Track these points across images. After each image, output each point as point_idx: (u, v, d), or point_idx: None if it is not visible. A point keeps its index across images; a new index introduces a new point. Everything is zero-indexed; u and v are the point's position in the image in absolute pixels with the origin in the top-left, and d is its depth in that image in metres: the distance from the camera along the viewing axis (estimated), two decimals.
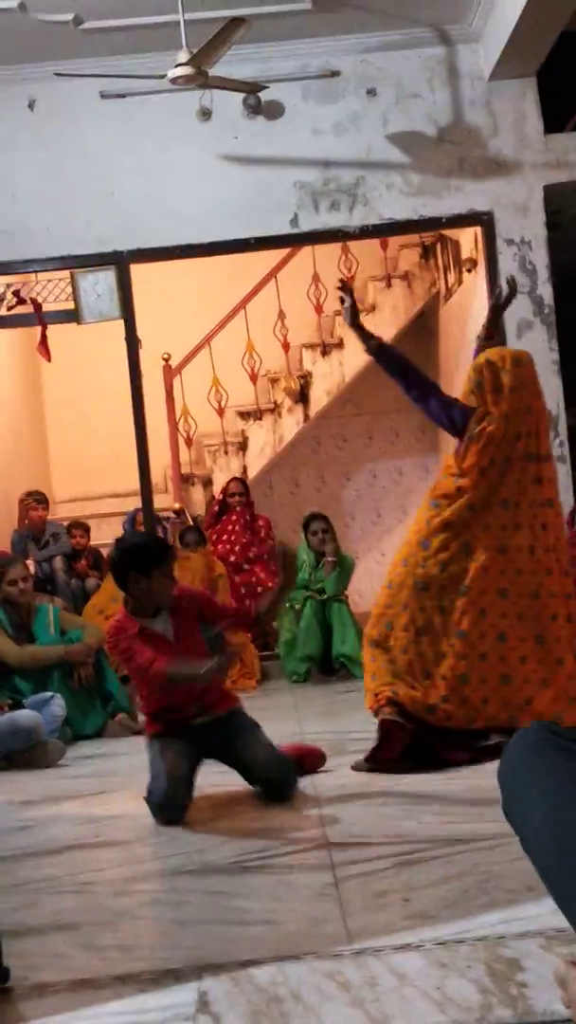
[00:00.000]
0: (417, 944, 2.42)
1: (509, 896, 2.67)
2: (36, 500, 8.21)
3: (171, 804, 3.84)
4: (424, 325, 10.47)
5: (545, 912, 2.41)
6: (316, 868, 3.11)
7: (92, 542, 8.53)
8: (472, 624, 4.42)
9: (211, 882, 3.09)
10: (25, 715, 5.25)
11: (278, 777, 4.01)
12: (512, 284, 4.94)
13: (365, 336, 4.72)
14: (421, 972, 2.27)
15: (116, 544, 4.30)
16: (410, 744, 4.36)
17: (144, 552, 4.07)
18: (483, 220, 7.47)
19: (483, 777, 3.79)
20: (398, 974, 2.27)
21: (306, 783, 4.20)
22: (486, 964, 2.27)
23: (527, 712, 4.34)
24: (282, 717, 5.82)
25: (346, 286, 4.76)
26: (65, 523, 8.56)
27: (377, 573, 9.06)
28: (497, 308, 4.94)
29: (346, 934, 2.55)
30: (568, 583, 4.56)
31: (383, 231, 7.85)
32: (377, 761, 4.33)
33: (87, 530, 8.49)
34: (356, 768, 4.39)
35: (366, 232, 7.62)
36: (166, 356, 9.58)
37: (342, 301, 4.74)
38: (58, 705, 5.57)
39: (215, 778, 4.31)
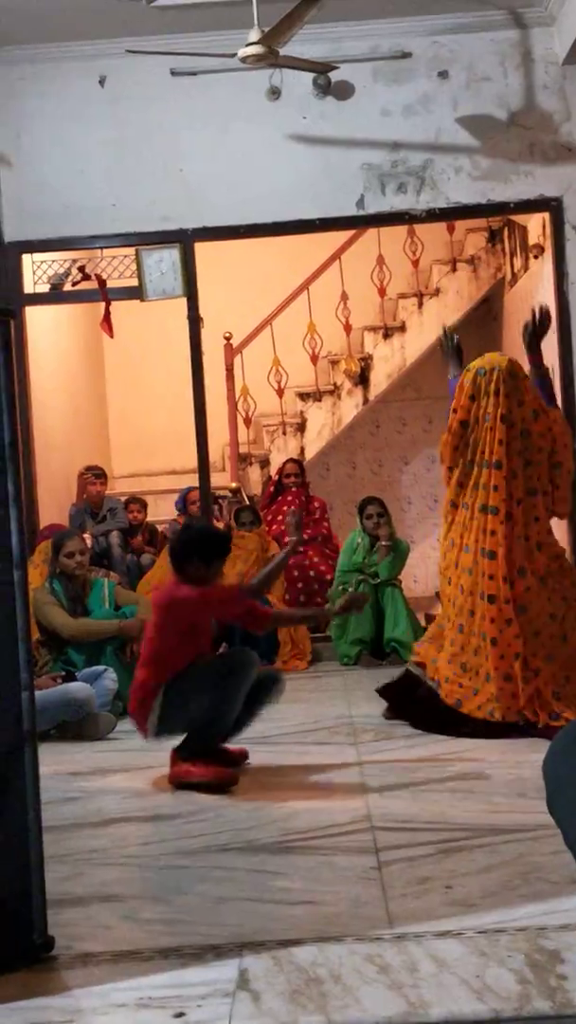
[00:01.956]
0: (458, 931, 2.43)
1: (552, 888, 2.67)
2: (95, 475, 8.27)
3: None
4: (489, 310, 10.40)
5: None
6: (360, 851, 3.12)
7: (148, 518, 8.57)
8: (442, 611, 5.08)
9: (255, 860, 3.11)
10: (78, 687, 5.30)
11: (276, 676, 4.42)
12: (544, 313, 5.08)
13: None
14: (461, 960, 2.27)
15: (185, 530, 4.49)
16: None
17: (211, 543, 4.33)
18: (552, 206, 7.38)
19: (529, 768, 3.78)
20: (438, 960, 2.28)
21: (353, 767, 4.22)
22: (526, 955, 2.27)
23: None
24: (331, 700, 5.83)
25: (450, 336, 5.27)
26: (123, 498, 8.62)
27: (433, 559, 9.00)
28: (530, 338, 5.09)
29: (387, 918, 2.56)
30: (506, 589, 4.75)
31: (450, 215, 7.78)
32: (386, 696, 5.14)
33: (144, 506, 8.53)
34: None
35: (433, 216, 7.56)
36: (227, 335, 9.59)
37: (447, 339, 5.25)
38: (110, 679, 5.61)
39: (263, 757, 4.34)
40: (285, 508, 8.31)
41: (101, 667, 5.66)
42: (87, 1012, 2.19)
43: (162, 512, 9.06)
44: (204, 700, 4.08)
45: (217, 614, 4.42)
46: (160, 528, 8.44)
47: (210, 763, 4.08)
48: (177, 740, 4.21)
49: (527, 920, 2.46)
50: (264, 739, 4.51)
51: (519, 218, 9.13)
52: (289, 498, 8.41)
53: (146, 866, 3.16)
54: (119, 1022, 2.14)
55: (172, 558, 4.35)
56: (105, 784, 4.27)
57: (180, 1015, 2.12)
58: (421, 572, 9.88)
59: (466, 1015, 2.04)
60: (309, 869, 3.01)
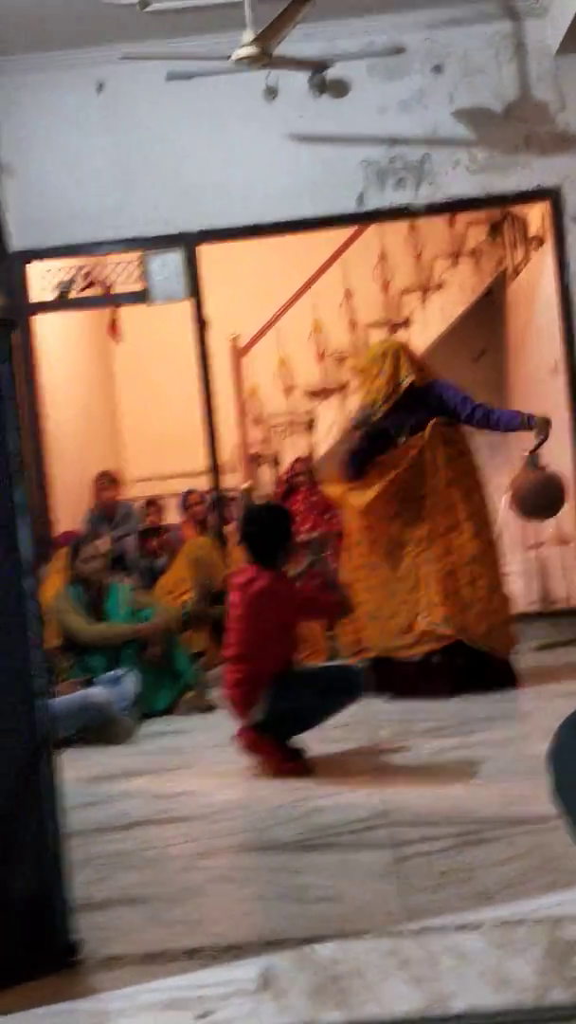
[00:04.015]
0: (477, 924, 2.46)
1: (569, 878, 2.69)
2: (108, 481, 8.31)
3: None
4: (491, 302, 10.40)
5: None
6: (379, 847, 3.15)
7: (164, 521, 8.58)
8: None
9: (276, 859, 3.15)
10: (96, 692, 5.34)
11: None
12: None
13: None
14: (480, 952, 2.30)
15: (257, 519, 4.45)
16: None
17: (286, 523, 4.43)
18: (551, 196, 7.39)
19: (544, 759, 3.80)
20: (458, 953, 2.31)
21: (371, 762, 4.25)
22: (545, 946, 2.30)
23: None
24: None
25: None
26: (140, 501, 8.64)
27: None
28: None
29: (407, 913, 2.59)
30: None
31: (449, 209, 7.81)
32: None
33: (161, 509, 8.55)
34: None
35: (432, 210, 7.57)
36: (234, 336, 9.62)
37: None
38: (131, 682, 5.65)
39: None
40: (296, 507, 8.33)
41: (121, 671, 5.70)
42: (114, 1014, 2.23)
43: (175, 516, 9.08)
44: (309, 699, 4.28)
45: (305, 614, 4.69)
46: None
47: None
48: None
49: (545, 911, 2.49)
50: None
51: (519, 210, 9.13)
52: (300, 497, 8.42)
53: (169, 868, 3.20)
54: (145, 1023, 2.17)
55: (257, 549, 4.32)
56: (128, 787, 4.31)
57: (205, 1015, 2.15)
58: None
59: (486, 1007, 2.07)
60: (329, 866, 3.04)
